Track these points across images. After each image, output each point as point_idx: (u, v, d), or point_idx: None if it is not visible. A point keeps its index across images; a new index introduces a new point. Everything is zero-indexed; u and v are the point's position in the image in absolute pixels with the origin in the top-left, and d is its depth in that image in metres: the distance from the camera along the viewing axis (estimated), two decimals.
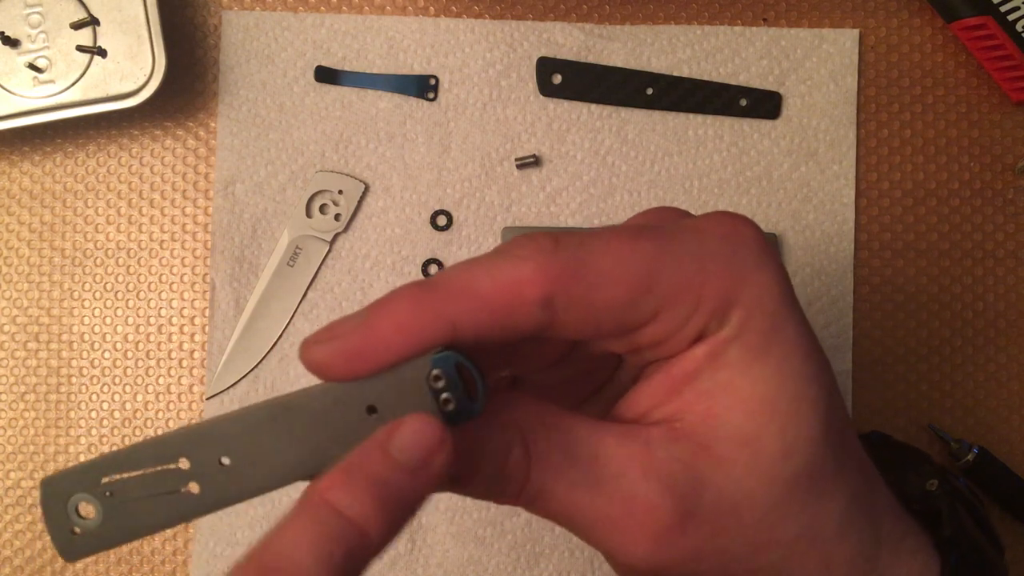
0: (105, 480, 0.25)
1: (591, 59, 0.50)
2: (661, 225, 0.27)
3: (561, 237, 0.25)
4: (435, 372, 0.23)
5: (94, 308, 0.49)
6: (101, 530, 0.25)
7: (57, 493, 0.25)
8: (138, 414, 0.49)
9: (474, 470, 0.25)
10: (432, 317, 0.24)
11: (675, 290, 0.25)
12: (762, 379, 0.25)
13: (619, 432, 0.26)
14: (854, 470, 0.27)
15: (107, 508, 0.25)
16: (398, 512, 0.23)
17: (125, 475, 0.25)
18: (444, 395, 0.24)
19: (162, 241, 0.50)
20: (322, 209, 0.49)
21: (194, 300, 0.49)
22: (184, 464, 0.25)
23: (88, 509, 0.25)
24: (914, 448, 0.38)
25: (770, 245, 0.27)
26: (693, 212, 0.49)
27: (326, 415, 0.24)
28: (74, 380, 0.49)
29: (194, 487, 0.25)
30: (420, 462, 0.23)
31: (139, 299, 0.49)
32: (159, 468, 0.25)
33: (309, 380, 0.25)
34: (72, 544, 0.25)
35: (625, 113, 0.50)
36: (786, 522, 0.26)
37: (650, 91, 0.49)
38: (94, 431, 0.49)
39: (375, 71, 0.50)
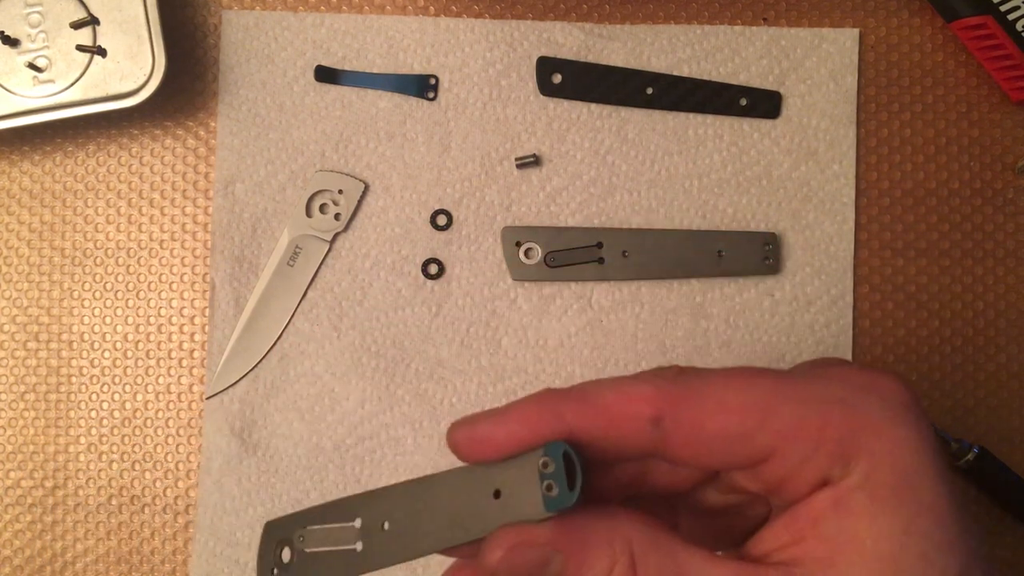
0: (300, 530, 0.29)
1: (591, 59, 0.50)
2: (795, 370, 0.28)
3: (687, 369, 0.27)
4: (544, 459, 0.25)
5: (94, 308, 0.49)
6: (291, 573, 0.28)
7: (274, 537, 0.29)
8: (138, 414, 0.49)
9: (581, 564, 0.26)
10: (552, 416, 0.26)
11: (791, 428, 0.25)
12: (887, 535, 0.25)
13: (734, 569, 0.26)
14: None
15: (299, 556, 0.28)
16: None
17: (316, 527, 0.29)
18: (548, 481, 0.25)
19: (162, 241, 0.50)
20: (322, 209, 0.49)
21: (194, 300, 0.49)
22: (357, 523, 0.28)
23: (287, 554, 0.28)
24: None
25: (919, 405, 0.26)
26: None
27: (462, 496, 0.27)
28: (74, 380, 0.49)
29: (359, 545, 0.28)
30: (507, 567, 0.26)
31: (139, 299, 0.49)
32: (340, 525, 0.28)
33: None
34: None
35: (625, 113, 0.50)
36: None
37: (650, 91, 0.49)
38: (94, 431, 0.49)
39: (375, 71, 0.50)
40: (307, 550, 0.29)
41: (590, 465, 0.26)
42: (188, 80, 0.50)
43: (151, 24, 0.46)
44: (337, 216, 0.49)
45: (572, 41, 0.50)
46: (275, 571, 0.28)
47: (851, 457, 0.25)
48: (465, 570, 0.28)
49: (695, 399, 0.26)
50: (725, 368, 0.27)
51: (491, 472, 0.27)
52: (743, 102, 0.50)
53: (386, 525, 0.28)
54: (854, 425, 0.25)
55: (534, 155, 0.49)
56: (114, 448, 0.49)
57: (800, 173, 0.50)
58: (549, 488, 0.25)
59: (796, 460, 0.25)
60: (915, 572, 0.25)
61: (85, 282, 0.49)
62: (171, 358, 0.49)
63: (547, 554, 0.26)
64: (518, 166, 0.49)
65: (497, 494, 0.26)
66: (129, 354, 0.49)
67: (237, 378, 0.49)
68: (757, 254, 0.49)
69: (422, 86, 0.49)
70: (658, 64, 0.50)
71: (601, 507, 0.27)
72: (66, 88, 0.46)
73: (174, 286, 0.50)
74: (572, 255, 0.49)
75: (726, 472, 0.28)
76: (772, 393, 0.26)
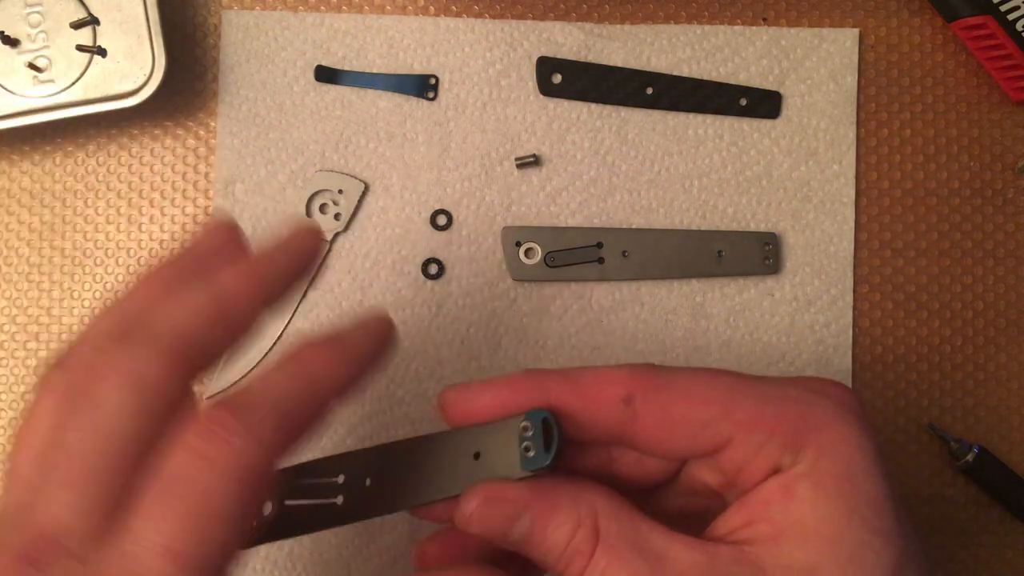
0: (282, 486, 0.29)
1: (591, 59, 0.50)
2: (758, 377, 0.30)
3: (660, 365, 0.29)
4: (524, 423, 0.27)
5: (94, 308, 0.49)
6: (270, 525, 0.29)
7: None
8: None
9: (544, 534, 0.28)
10: (536, 388, 0.29)
11: (749, 418, 0.28)
12: (829, 519, 0.27)
13: (690, 541, 0.27)
14: None
15: (280, 508, 0.29)
16: None
17: (299, 482, 0.30)
18: (526, 443, 0.27)
19: (162, 241, 0.50)
20: (322, 209, 0.49)
21: None
22: (340, 479, 0.29)
23: (268, 507, 0.29)
24: None
25: (864, 410, 0.29)
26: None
27: (444, 456, 0.29)
28: None
29: (339, 499, 0.29)
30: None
31: None
32: (323, 480, 0.29)
33: None
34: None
35: (625, 113, 0.50)
36: None
37: (650, 91, 0.49)
38: None
39: (375, 71, 0.50)
40: (288, 502, 0.29)
41: (565, 441, 0.28)
42: (188, 80, 0.50)
43: (151, 24, 0.46)
44: (337, 216, 0.49)
45: (572, 41, 0.50)
46: (254, 523, 0.29)
47: (801, 448, 0.27)
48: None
49: (664, 387, 0.28)
50: (693, 367, 0.30)
51: (473, 435, 0.28)
52: (743, 102, 0.50)
53: (368, 482, 0.29)
54: (806, 420, 0.28)
55: (534, 155, 0.49)
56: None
57: (800, 173, 0.50)
58: (527, 449, 0.27)
59: (752, 448, 0.28)
60: (854, 555, 0.26)
61: (85, 282, 0.49)
62: None
63: (518, 510, 0.28)
64: (518, 166, 0.49)
65: (477, 456, 0.28)
66: None
67: (237, 378, 0.49)
68: (757, 254, 0.49)
69: (422, 86, 0.49)
70: (658, 64, 0.50)
71: (572, 478, 0.29)
72: (66, 88, 0.46)
73: None
74: (572, 255, 0.49)
75: (686, 468, 0.30)
76: (734, 389, 0.28)
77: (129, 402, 0.25)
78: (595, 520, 0.27)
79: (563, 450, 0.27)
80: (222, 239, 0.30)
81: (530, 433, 0.27)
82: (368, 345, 0.29)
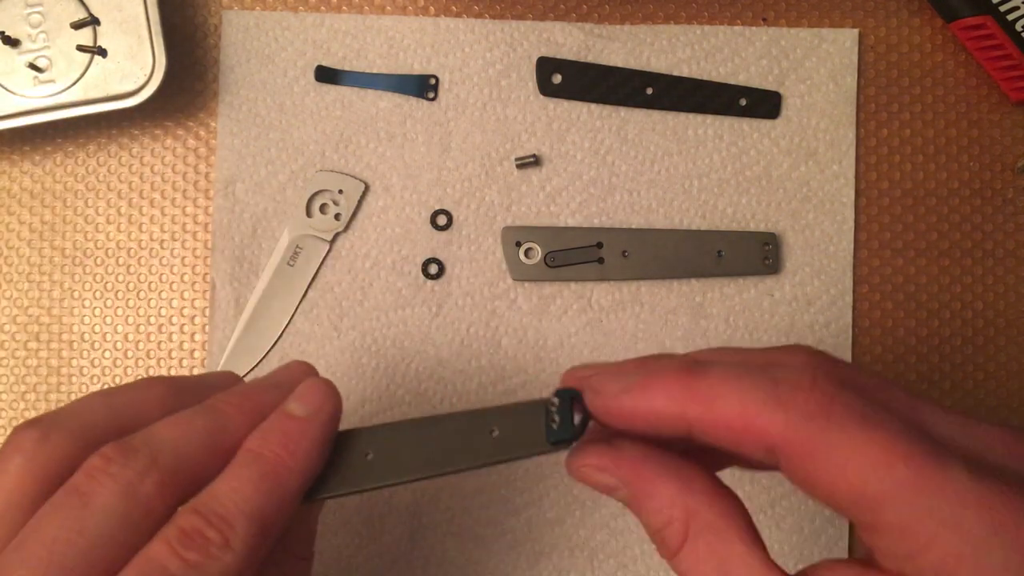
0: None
1: (591, 59, 0.50)
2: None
3: (819, 411, 0.25)
4: (554, 399, 0.28)
5: (94, 308, 0.49)
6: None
7: None
8: None
9: (639, 510, 0.28)
10: (678, 413, 0.26)
11: (920, 519, 0.24)
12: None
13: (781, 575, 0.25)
14: None
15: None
16: None
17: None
18: (553, 417, 0.28)
19: (162, 241, 0.50)
20: (322, 209, 0.49)
21: (194, 300, 0.49)
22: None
23: None
24: None
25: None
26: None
27: (458, 432, 0.29)
28: (74, 380, 0.49)
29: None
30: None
31: (139, 299, 0.49)
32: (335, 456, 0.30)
33: None
34: None
35: (625, 113, 0.50)
36: None
37: (650, 91, 0.50)
38: None
39: (375, 71, 0.50)
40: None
41: (590, 418, 0.28)
42: (188, 80, 0.50)
43: (151, 24, 0.46)
44: (337, 216, 0.49)
45: (572, 41, 0.50)
46: None
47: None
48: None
49: (823, 451, 0.24)
50: (864, 427, 0.24)
51: (490, 413, 0.29)
52: (743, 102, 0.50)
53: (368, 456, 0.30)
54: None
55: (534, 155, 0.49)
56: None
57: (800, 173, 0.50)
58: (552, 422, 0.28)
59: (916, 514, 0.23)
60: None
61: (86, 282, 0.50)
62: (171, 358, 0.49)
63: (617, 484, 0.28)
64: (518, 166, 0.49)
65: (492, 432, 0.29)
66: (129, 354, 0.49)
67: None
68: (757, 254, 0.49)
69: (422, 86, 0.50)
70: (658, 64, 0.50)
71: (682, 465, 0.27)
72: (66, 88, 0.46)
73: (174, 286, 0.50)
74: (572, 255, 0.49)
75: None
76: (904, 465, 0.23)
77: (118, 510, 0.25)
78: (687, 523, 0.26)
79: (586, 426, 0.28)
80: (225, 379, 0.32)
81: (555, 408, 0.28)
82: (317, 416, 0.30)
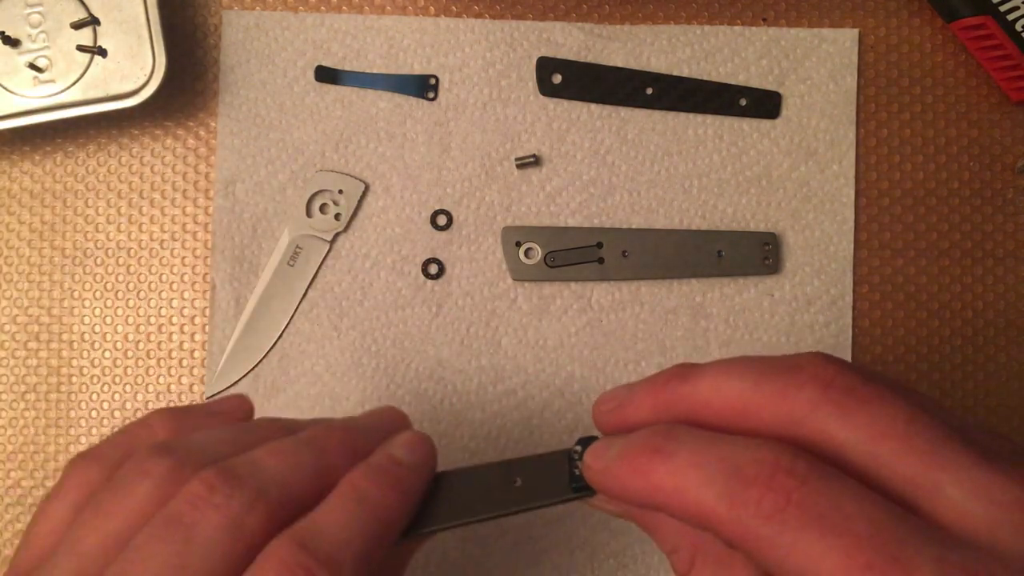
0: None
1: (591, 59, 0.50)
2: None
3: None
4: (577, 448, 0.28)
5: (94, 308, 0.49)
6: None
7: None
8: (138, 414, 0.49)
9: (652, 532, 0.28)
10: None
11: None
12: None
13: None
14: None
15: None
16: None
17: None
18: (577, 465, 0.28)
19: (162, 241, 0.50)
20: (322, 209, 0.49)
21: (194, 300, 0.49)
22: None
23: None
24: None
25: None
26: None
27: (483, 482, 0.29)
28: (74, 380, 0.49)
29: None
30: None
31: (139, 299, 0.49)
32: None
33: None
34: None
35: (625, 113, 0.50)
36: None
37: (650, 91, 0.50)
38: (94, 431, 0.49)
39: (375, 71, 0.50)
40: None
41: None
42: (188, 80, 0.50)
43: (151, 24, 0.46)
44: (337, 216, 0.49)
45: (572, 41, 0.50)
46: None
47: None
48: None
49: (777, 555, 0.23)
50: (824, 532, 0.22)
51: (514, 464, 0.29)
52: (743, 102, 0.50)
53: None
54: None
55: (534, 155, 0.49)
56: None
57: (800, 173, 0.50)
58: (576, 468, 0.28)
59: None
60: None
61: (86, 282, 0.50)
62: (171, 358, 0.49)
63: (623, 512, 0.28)
64: (518, 166, 0.49)
65: (514, 482, 0.29)
66: (129, 354, 0.49)
67: (237, 378, 0.49)
68: (757, 254, 0.49)
69: (422, 86, 0.50)
70: (658, 64, 0.50)
71: None
72: (66, 88, 0.46)
73: (174, 286, 0.50)
74: (572, 255, 0.49)
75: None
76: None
77: (223, 545, 0.24)
78: (693, 553, 0.26)
79: None
80: (265, 426, 0.31)
81: (578, 456, 0.28)
82: (416, 462, 0.29)
